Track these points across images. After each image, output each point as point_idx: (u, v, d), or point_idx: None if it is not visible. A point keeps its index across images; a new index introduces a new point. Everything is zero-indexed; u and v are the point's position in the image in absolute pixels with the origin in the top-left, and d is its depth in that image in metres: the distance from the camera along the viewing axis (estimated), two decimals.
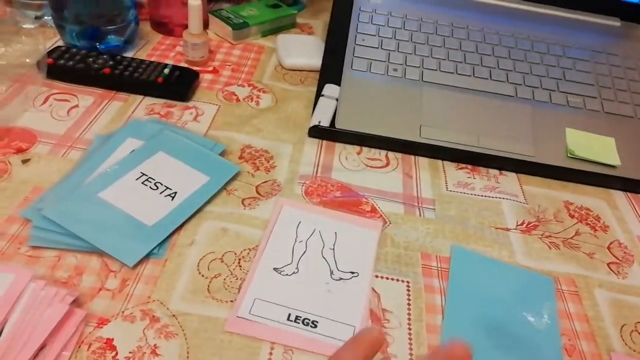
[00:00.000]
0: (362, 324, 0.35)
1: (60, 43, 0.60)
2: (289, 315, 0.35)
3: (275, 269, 0.38)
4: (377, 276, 0.39)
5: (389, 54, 0.58)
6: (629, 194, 0.52)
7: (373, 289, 0.37)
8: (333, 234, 0.41)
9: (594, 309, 0.39)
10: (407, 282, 0.38)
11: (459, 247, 0.42)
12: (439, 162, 0.52)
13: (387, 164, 0.51)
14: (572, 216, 0.48)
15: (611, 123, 0.56)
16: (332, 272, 0.38)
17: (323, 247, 0.40)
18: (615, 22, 0.67)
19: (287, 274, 0.37)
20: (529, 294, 0.39)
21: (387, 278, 0.39)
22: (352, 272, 0.38)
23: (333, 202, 0.45)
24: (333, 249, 0.40)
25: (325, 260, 0.39)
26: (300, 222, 0.42)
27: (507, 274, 0.41)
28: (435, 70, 0.57)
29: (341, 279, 0.38)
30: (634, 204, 0.51)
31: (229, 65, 0.62)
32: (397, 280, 0.39)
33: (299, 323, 0.34)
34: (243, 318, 0.34)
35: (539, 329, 0.37)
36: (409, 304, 0.37)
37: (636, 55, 0.63)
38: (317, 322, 0.34)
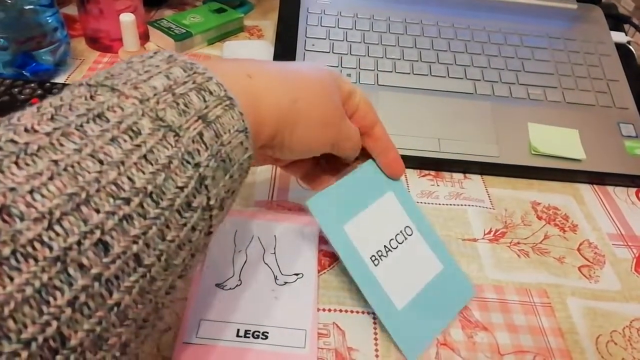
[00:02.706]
0: (313, 328, 0.34)
1: None
2: (238, 331, 0.33)
3: (217, 284, 0.35)
4: (340, 310, 0.36)
5: (341, 58, 0.55)
6: (595, 186, 0.51)
7: (337, 326, 0.35)
8: (272, 238, 0.39)
9: (567, 320, 0.37)
10: (373, 313, 0.36)
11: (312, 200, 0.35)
12: None
13: None
14: (540, 217, 0.46)
15: (573, 113, 0.54)
16: (276, 278, 0.36)
17: (264, 253, 0.38)
18: (572, 5, 0.65)
19: (230, 288, 0.35)
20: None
21: (351, 311, 0.36)
22: (297, 274, 0.37)
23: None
24: (274, 253, 0.38)
25: (268, 266, 0.37)
26: (236, 231, 0.39)
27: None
28: (391, 72, 0.54)
29: (286, 282, 0.36)
30: (601, 196, 0.49)
31: None
32: (362, 312, 0.36)
33: (249, 337, 0.33)
34: (190, 343, 0.32)
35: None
36: (375, 340, 0.35)
37: (594, 38, 0.62)
38: (267, 332, 0.33)
